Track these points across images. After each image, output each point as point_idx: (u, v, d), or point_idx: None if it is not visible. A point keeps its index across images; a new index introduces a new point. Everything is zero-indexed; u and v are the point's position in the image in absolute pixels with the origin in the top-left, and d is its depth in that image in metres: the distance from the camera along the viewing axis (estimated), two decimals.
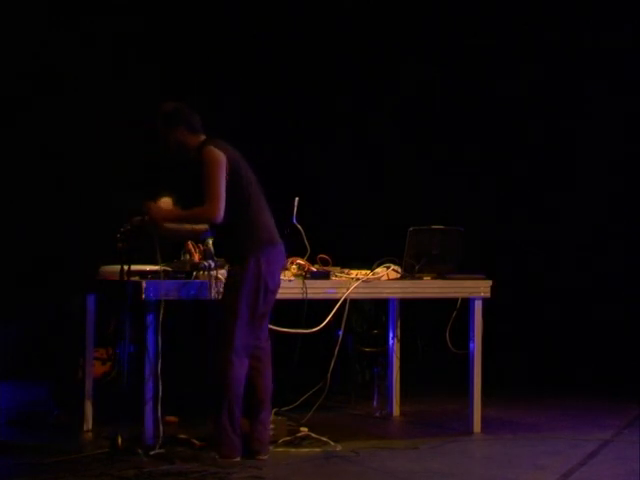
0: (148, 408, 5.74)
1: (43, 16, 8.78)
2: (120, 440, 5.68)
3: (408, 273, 6.46)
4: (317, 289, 6.16)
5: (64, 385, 6.87)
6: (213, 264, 5.84)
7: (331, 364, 6.33)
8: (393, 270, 6.41)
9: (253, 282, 5.61)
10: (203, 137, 5.81)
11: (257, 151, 9.19)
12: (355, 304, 6.89)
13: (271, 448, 5.85)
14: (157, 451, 5.66)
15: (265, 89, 9.34)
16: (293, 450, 5.90)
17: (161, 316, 5.73)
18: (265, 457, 5.67)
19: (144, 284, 5.72)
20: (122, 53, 9.00)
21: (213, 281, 5.80)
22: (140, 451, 5.65)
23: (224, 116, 9.38)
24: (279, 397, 6.50)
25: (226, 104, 9.30)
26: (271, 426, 5.94)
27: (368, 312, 7.79)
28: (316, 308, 6.19)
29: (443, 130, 9.67)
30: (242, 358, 5.61)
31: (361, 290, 6.28)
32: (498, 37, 9.51)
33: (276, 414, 6.09)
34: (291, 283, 6.09)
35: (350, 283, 6.24)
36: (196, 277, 5.86)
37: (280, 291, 5.99)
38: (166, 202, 7.00)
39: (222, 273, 5.85)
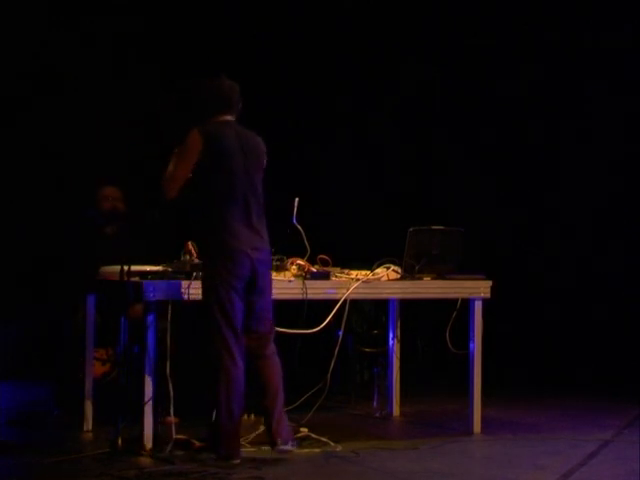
0: (148, 408, 5.74)
1: (43, 16, 8.79)
2: (120, 440, 5.68)
3: (408, 273, 6.45)
4: (317, 289, 6.14)
5: (64, 385, 6.86)
6: None
7: (331, 364, 6.32)
8: (393, 270, 6.41)
9: (218, 285, 5.56)
10: (226, 118, 5.80)
11: None
12: (355, 304, 6.89)
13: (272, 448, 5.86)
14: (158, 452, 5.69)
15: (265, 89, 9.33)
16: (293, 450, 5.89)
17: (169, 317, 5.73)
18: (286, 447, 5.61)
19: (144, 284, 5.73)
20: (122, 53, 9.01)
21: None
22: (141, 452, 5.66)
23: None
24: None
25: None
26: None
27: (368, 312, 7.78)
28: (316, 308, 6.19)
29: (443, 130, 9.67)
30: (234, 356, 5.58)
31: (361, 290, 6.27)
32: (498, 37, 9.51)
33: None
34: (291, 283, 6.09)
35: (350, 283, 6.23)
36: (196, 277, 5.85)
37: (280, 291, 5.99)
38: (106, 189, 7.06)
39: None
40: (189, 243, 5.99)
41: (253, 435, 5.94)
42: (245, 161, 5.70)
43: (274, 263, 6.09)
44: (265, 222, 5.73)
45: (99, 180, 7.26)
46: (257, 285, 5.68)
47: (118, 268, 5.80)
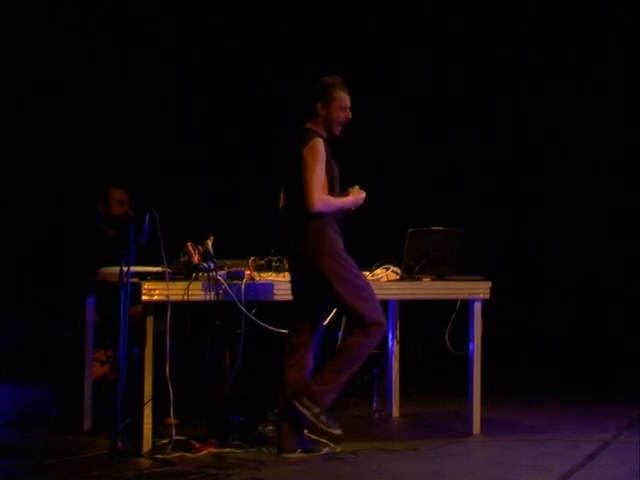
0: (147, 409, 5.74)
1: (43, 15, 8.81)
2: (119, 442, 5.68)
3: (407, 274, 6.45)
4: None
5: (64, 386, 6.85)
6: (212, 265, 5.84)
7: None
8: (392, 271, 6.40)
9: None
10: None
11: (256, 151, 9.26)
12: None
13: (271, 449, 5.86)
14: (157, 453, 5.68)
15: (265, 89, 9.35)
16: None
17: (169, 317, 5.74)
18: (292, 455, 5.75)
19: (143, 285, 5.73)
20: (122, 53, 9.03)
21: (212, 283, 5.81)
22: (140, 453, 5.66)
23: (225, 116, 9.40)
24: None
25: (230, 104, 9.32)
26: (270, 427, 5.94)
27: None
28: None
29: (443, 130, 9.66)
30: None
31: None
32: (499, 37, 9.52)
33: (275, 415, 6.07)
34: (291, 284, 6.08)
35: None
36: (196, 278, 5.85)
37: (279, 292, 6.01)
38: (119, 193, 7.04)
39: (221, 274, 5.86)
40: (189, 244, 5.99)
41: (252, 437, 5.95)
42: (282, 164, 5.85)
43: (273, 264, 6.11)
44: (302, 224, 5.75)
45: (109, 181, 7.24)
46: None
47: (117, 269, 5.80)
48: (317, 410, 5.65)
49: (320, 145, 5.75)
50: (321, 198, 5.72)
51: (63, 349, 6.91)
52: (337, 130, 5.91)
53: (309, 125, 5.87)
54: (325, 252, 5.75)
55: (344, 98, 5.93)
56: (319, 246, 5.74)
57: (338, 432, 5.74)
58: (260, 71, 9.41)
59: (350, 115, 5.95)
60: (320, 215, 5.73)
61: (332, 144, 5.91)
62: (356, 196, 5.90)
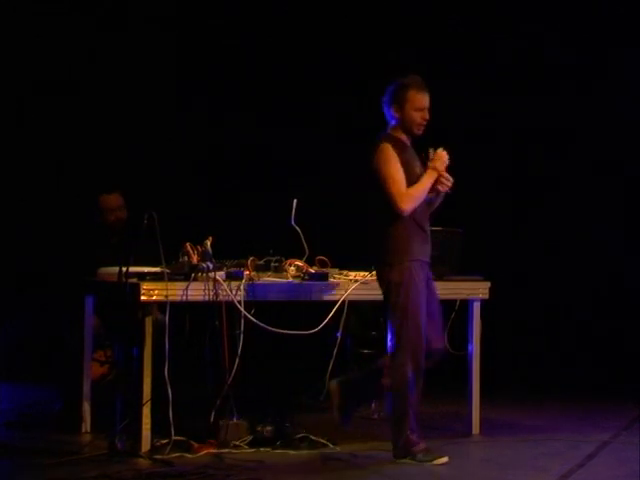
0: (146, 410, 5.74)
1: (43, 15, 8.81)
2: (118, 442, 5.67)
3: None
4: (315, 291, 6.13)
5: (65, 386, 6.86)
6: (211, 266, 5.84)
7: (329, 366, 6.33)
8: None
9: None
10: None
11: (256, 151, 9.25)
12: (353, 306, 6.87)
13: (270, 449, 5.86)
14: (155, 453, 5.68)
15: (265, 90, 9.35)
16: (292, 452, 5.89)
17: (167, 318, 5.74)
18: None
19: (142, 286, 5.72)
20: (123, 52, 9.03)
21: (211, 283, 5.81)
22: (139, 453, 5.66)
23: (227, 117, 9.40)
24: (278, 399, 6.50)
25: (229, 105, 9.31)
26: (268, 428, 5.95)
27: (366, 314, 7.75)
28: (315, 310, 6.18)
29: (442, 130, 9.64)
30: None
31: (359, 292, 6.26)
32: (501, 39, 9.52)
33: (274, 415, 6.08)
34: (290, 285, 6.08)
35: (348, 285, 6.22)
36: (194, 279, 5.85)
37: (279, 293, 6.01)
38: (117, 198, 7.03)
39: (220, 275, 5.86)
40: (187, 244, 5.99)
41: (250, 437, 5.94)
42: (363, 181, 5.87)
43: (272, 264, 6.11)
44: (379, 233, 5.80)
45: (101, 188, 7.23)
46: None
47: (116, 269, 5.80)
48: (410, 457, 5.68)
49: (386, 149, 5.71)
50: (402, 195, 5.66)
51: (63, 349, 6.91)
52: (417, 131, 5.81)
53: (389, 130, 5.83)
54: (395, 262, 5.72)
55: (419, 99, 5.79)
56: (389, 256, 5.73)
57: (445, 459, 5.70)
58: (260, 71, 9.40)
59: (427, 116, 5.82)
60: (399, 221, 5.70)
61: (415, 145, 5.87)
62: (436, 172, 5.82)
